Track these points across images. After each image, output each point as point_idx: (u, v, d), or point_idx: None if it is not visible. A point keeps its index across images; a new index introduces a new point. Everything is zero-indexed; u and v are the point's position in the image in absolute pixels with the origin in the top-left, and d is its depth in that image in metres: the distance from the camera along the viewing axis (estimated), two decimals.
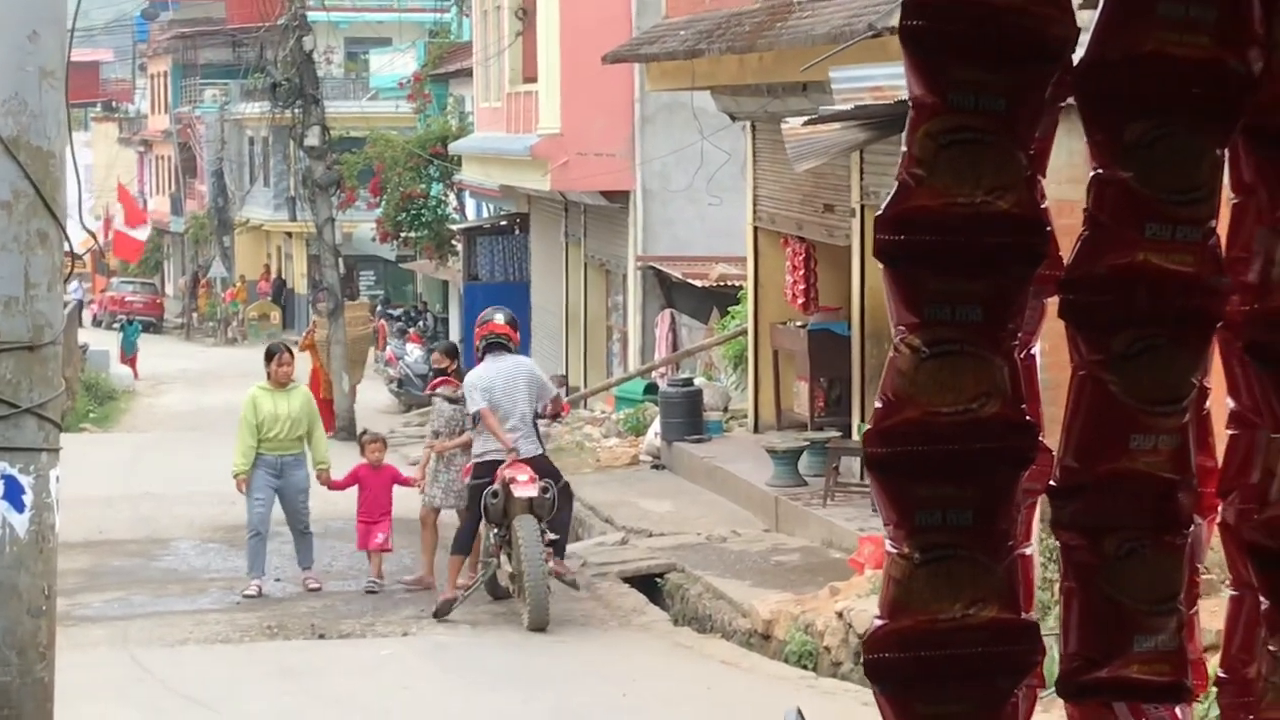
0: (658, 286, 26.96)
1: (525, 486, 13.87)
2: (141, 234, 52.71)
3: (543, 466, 14.35)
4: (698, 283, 25.16)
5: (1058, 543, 2.50)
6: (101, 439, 30.51)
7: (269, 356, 15.81)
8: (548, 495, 13.97)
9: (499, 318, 14.82)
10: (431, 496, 15.41)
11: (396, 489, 15.98)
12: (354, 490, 15.94)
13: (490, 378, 14.40)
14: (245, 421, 15.39)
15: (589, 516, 18.48)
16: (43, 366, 6.17)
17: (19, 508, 6.08)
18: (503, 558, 14.36)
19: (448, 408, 15.39)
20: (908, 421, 2.40)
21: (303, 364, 31.87)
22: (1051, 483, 2.48)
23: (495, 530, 14.27)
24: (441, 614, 14.36)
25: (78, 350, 38.67)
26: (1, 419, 6.04)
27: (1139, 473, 2.46)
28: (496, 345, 14.58)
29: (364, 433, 17.13)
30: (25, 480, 6.08)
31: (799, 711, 3.14)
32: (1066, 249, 2.53)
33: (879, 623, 2.48)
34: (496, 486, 13.95)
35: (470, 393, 14.53)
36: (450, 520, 15.52)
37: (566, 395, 20.55)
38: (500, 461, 14.15)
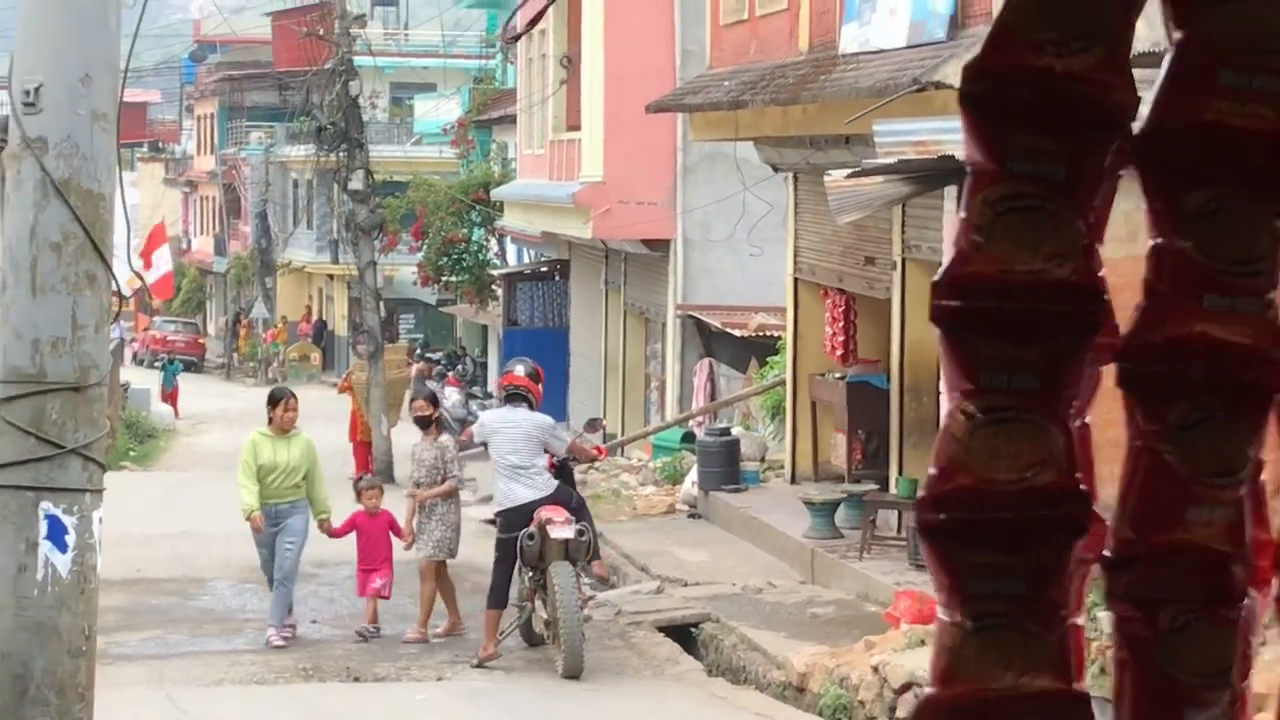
0: (697, 335, 26.97)
1: (562, 528, 13.90)
2: (164, 266, 52.25)
3: (567, 499, 14.40)
4: (737, 332, 25.17)
5: (1110, 614, 2.49)
6: (141, 477, 30.63)
7: (275, 401, 15.51)
8: (584, 538, 14.00)
9: (519, 370, 15.00)
10: (420, 548, 15.35)
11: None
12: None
13: (496, 424, 14.77)
14: (245, 465, 15.09)
15: (624, 564, 18.45)
16: (88, 407, 6.20)
17: (62, 548, 6.11)
18: (539, 603, 14.34)
19: (428, 456, 15.38)
20: (962, 489, 2.38)
21: (343, 405, 32.05)
22: (1105, 553, 2.47)
23: (530, 574, 14.28)
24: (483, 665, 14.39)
25: (119, 389, 38.83)
26: (46, 459, 6.08)
27: (1194, 545, 2.45)
28: (515, 396, 14.72)
29: (359, 479, 16.67)
30: (69, 520, 6.11)
31: None
32: (1118, 308, 2.53)
33: (930, 691, 2.46)
34: (533, 529, 13.97)
35: (478, 428, 15.14)
36: (455, 570, 15.65)
37: (604, 440, 20.52)
38: (523, 508, 14.17)
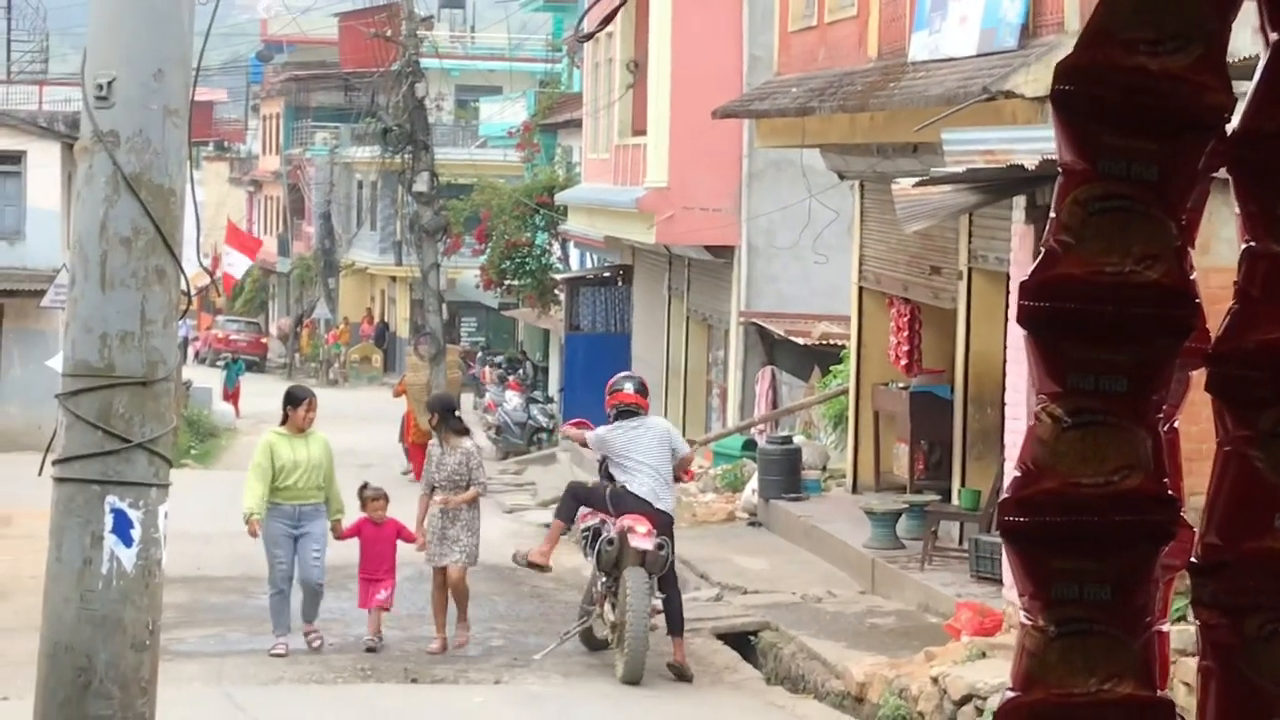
0: (759, 343, 26.91)
1: (642, 539, 13.86)
2: (244, 259, 52.56)
3: (666, 525, 14.32)
4: (800, 340, 25.10)
5: (1196, 621, 2.45)
6: (202, 475, 30.75)
7: (297, 401, 14.91)
8: (662, 552, 13.96)
9: (628, 387, 14.97)
10: (434, 554, 14.89)
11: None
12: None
13: (618, 438, 14.53)
14: (259, 467, 14.53)
15: (684, 571, 18.39)
16: (155, 402, 6.21)
17: (127, 542, 6.11)
18: (607, 607, 14.31)
19: (450, 461, 14.88)
20: (1046, 492, 2.36)
21: (398, 407, 32.16)
22: (1193, 559, 2.44)
23: (603, 579, 14.26)
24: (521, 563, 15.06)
25: (181, 387, 39.01)
26: (113, 453, 6.09)
27: None
28: (627, 413, 14.70)
29: (364, 486, 15.75)
30: (134, 515, 6.11)
31: None
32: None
33: (1011, 694, 2.43)
34: (614, 534, 13.94)
35: (595, 440, 14.82)
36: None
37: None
38: (639, 501, 14.13)
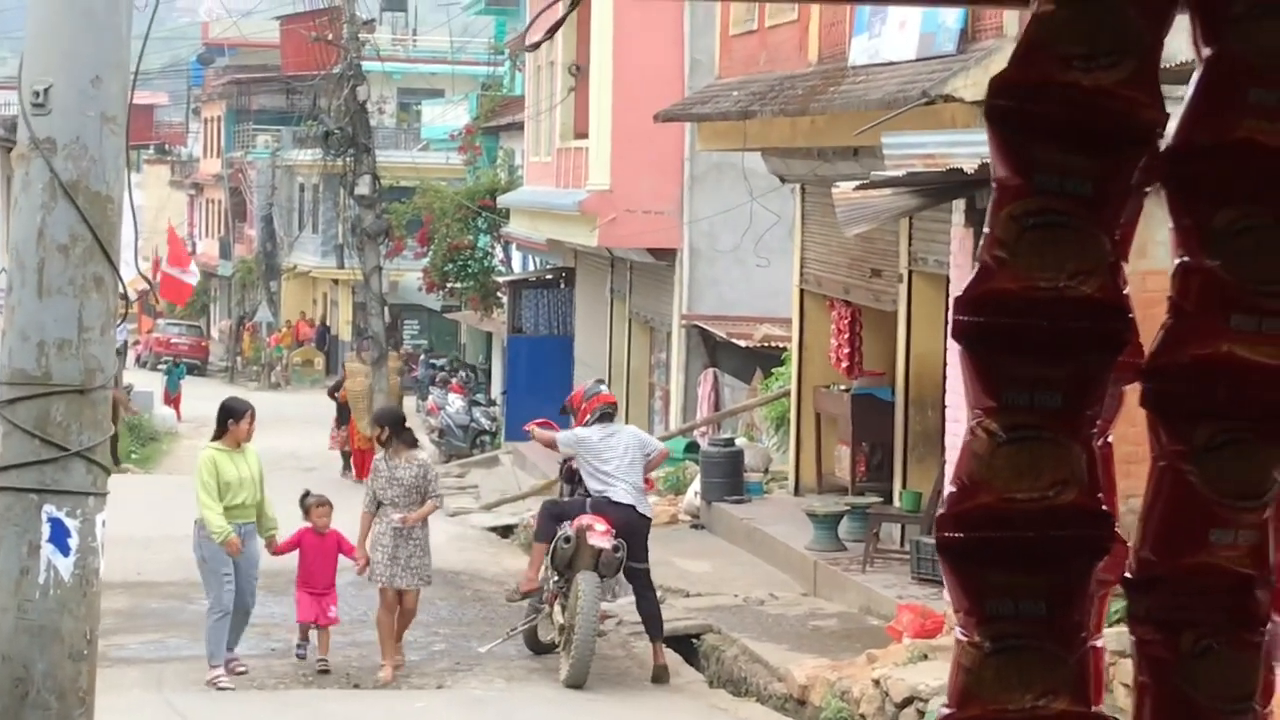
0: (701, 345, 26.93)
1: (600, 537, 13.82)
2: (189, 278, 52.86)
3: (636, 525, 14.27)
4: (742, 343, 25.13)
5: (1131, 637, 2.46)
6: (143, 480, 30.58)
7: (239, 414, 14.04)
8: (618, 554, 13.91)
9: (603, 389, 15.21)
10: (386, 575, 14.13)
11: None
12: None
13: (594, 438, 14.45)
14: (206, 486, 13.63)
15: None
16: (93, 410, 6.17)
17: (64, 551, 6.07)
18: (556, 608, 14.26)
19: (405, 475, 14.16)
20: (982, 507, 2.36)
21: (331, 410, 32.11)
22: (1127, 575, 2.44)
23: (556, 579, 14.20)
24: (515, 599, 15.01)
25: (122, 391, 38.76)
26: (50, 461, 6.05)
27: (1217, 568, 2.42)
28: (606, 416, 14.70)
29: (306, 494, 14.94)
30: (71, 524, 6.07)
31: None
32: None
33: (946, 711, 2.43)
34: (571, 532, 13.89)
35: (568, 439, 14.60)
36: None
37: None
38: (613, 504, 14.09)
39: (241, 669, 14.16)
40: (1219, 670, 2.44)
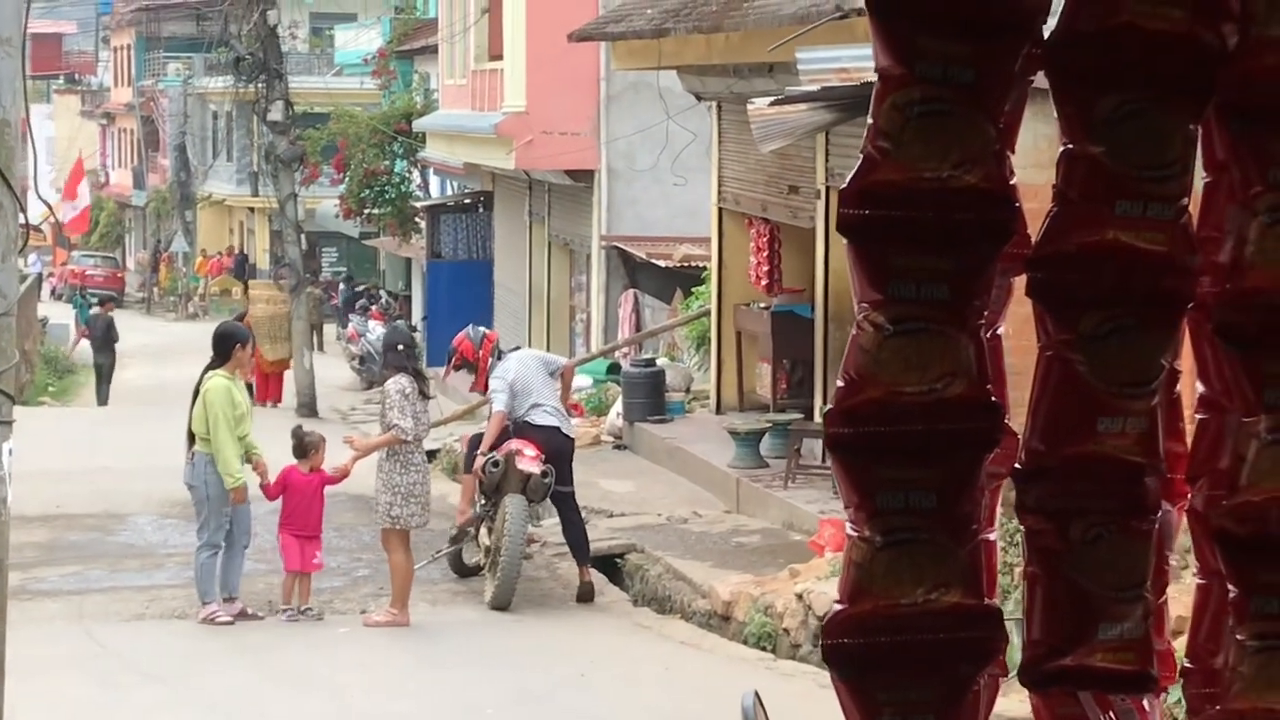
0: (621, 267, 26.89)
1: (530, 462, 13.80)
2: (79, 202, 51.78)
3: (562, 447, 14.23)
4: (661, 263, 25.11)
5: (1021, 527, 2.44)
6: (60, 413, 30.35)
7: (242, 341, 13.41)
8: (546, 479, 13.88)
9: (483, 330, 15.14)
10: (395, 516, 13.30)
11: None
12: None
13: (507, 371, 14.27)
14: (225, 420, 12.92)
15: None
16: None
17: None
18: (483, 531, 14.26)
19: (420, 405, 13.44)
20: (870, 401, 2.34)
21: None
22: (1016, 465, 2.43)
23: (483, 503, 14.18)
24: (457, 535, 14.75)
25: (37, 324, 38.45)
26: None
27: (1106, 456, 2.41)
28: (499, 352, 14.71)
29: (299, 428, 14.27)
30: None
31: (756, 695, 3.08)
32: (1034, 234, 2.47)
33: (838, 607, 2.42)
34: (500, 457, 13.85)
35: (501, 375, 14.25)
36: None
37: None
38: (541, 429, 14.03)
39: (253, 611, 13.61)
40: (1109, 559, 2.44)
